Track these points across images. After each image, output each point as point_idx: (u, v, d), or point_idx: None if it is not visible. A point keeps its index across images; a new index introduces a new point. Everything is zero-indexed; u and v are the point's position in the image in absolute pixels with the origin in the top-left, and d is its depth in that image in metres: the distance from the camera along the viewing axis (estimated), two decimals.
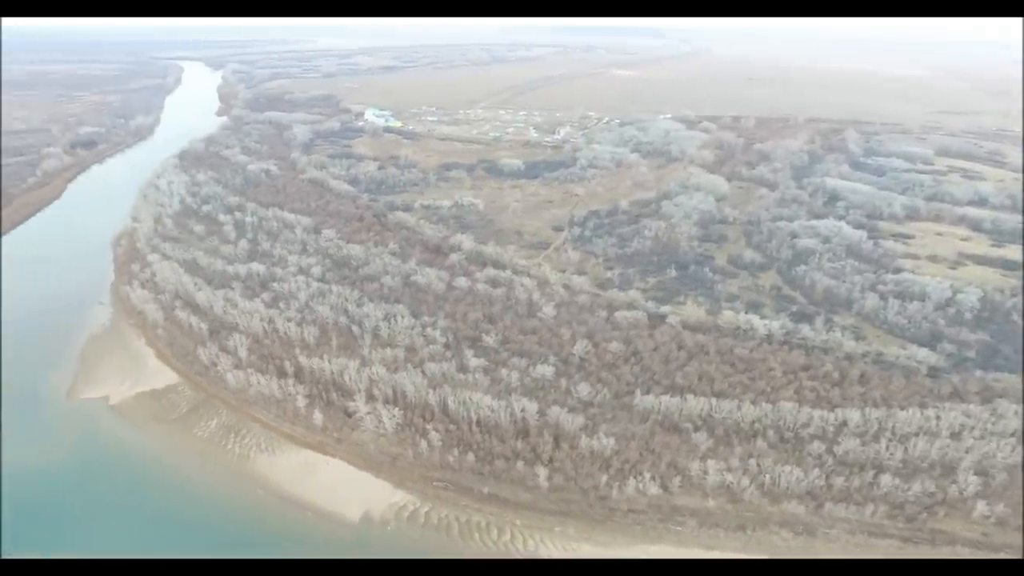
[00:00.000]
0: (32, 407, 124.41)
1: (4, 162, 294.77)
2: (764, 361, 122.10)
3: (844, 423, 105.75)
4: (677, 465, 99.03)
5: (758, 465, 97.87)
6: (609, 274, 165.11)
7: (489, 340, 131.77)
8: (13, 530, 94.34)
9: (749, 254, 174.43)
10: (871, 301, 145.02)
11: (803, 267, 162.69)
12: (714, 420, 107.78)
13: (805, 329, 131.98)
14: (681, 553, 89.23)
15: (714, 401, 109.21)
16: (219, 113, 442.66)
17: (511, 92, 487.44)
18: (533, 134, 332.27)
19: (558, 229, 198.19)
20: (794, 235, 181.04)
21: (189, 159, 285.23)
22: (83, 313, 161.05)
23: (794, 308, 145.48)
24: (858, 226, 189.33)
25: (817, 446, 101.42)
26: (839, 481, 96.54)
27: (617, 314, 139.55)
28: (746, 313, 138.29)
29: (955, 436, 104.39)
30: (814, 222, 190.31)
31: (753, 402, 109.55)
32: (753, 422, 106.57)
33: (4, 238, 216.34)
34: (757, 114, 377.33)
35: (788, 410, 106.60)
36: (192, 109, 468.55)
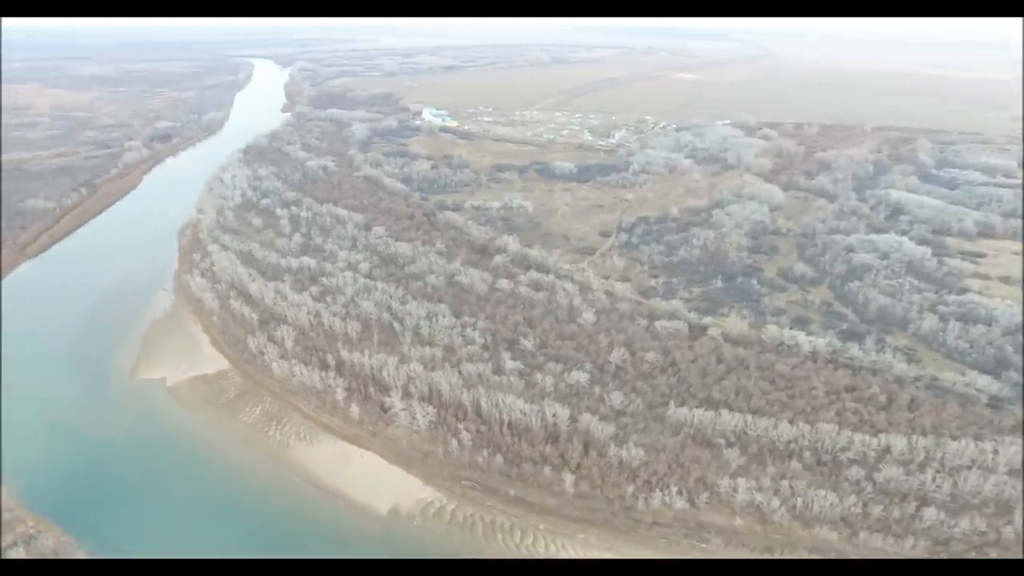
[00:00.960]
0: (100, 384, 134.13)
1: (94, 154, 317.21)
2: (806, 379, 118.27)
3: (887, 449, 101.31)
4: (706, 481, 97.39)
5: (791, 487, 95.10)
6: (653, 282, 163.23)
7: (527, 343, 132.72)
8: (73, 499, 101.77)
9: (800, 267, 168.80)
10: (929, 322, 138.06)
11: (857, 283, 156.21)
12: (748, 437, 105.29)
13: (853, 348, 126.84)
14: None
15: (749, 418, 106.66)
16: (284, 109, 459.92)
17: (568, 94, 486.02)
18: (587, 137, 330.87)
19: (605, 234, 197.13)
20: (850, 249, 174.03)
21: (253, 154, 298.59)
22: (149, 297, 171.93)
23: (844, 326, 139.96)
24: (922, 242, 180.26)
25: (856, 471, 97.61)
26: (877, 510, 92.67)
27: (657, 323, 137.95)
28: (792, 328, 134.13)
29: (1014, 473, 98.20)
30: (873, 236, 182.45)
31: (791, 421, 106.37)
32: (789, 442, 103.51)
33: (88, 225, 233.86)
34: (822, 121, 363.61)
35: (827, 432, 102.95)
36: (259, 105, 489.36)
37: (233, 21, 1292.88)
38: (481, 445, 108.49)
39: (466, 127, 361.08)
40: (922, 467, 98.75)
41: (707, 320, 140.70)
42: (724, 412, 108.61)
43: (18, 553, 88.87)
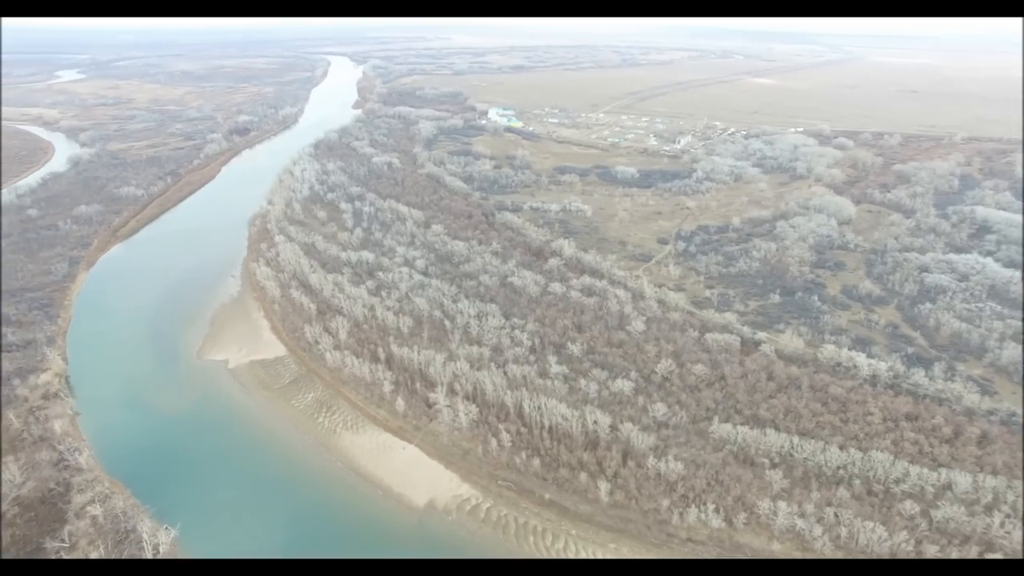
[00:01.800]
0: (171, 362, 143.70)
1: (180, 145, 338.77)
2: (862, 404, 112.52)
3: (948, 486, 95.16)
4: (745, 501, 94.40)
5: (836, 515, 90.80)
6: (708, 293, 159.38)
7: (574, 348, 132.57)
8: (142, 466, 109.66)
9: (867, 286, 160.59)
10: (1010, 351, 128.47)
11: (929, 305, 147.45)
12: (794, 460, 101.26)
13: (918, 375, 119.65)
14: None
15: (797, 439, 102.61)
16: (355, 106, 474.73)
17: (636, 97, 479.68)
18: (652, 141, 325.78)
19: (663, 242, 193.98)
20: (924, 269, 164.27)
21: (323, 148, 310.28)
22: (219, 283, 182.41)
23: (910, 350, 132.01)
24: (1009, 264, 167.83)
25: (910, 506, 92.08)
26: (932, 549, 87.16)
27: (708, 336, 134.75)
28: (851, 349, 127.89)
29: None
30: (952, 256, 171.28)
31: (841, 447, 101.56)
32: (838, 468, 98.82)
33: (171, 212, 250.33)
34: (907, 130, 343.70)
35: (881, 461, 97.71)
36: (333, 101, 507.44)
37: (315, 20, 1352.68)
38: (520, 447, 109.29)
39: (531, 128, 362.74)
40: (989, 509, 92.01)
41: (761, 335, 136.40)
42: (770, 431, 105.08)
43: (95, 511, 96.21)
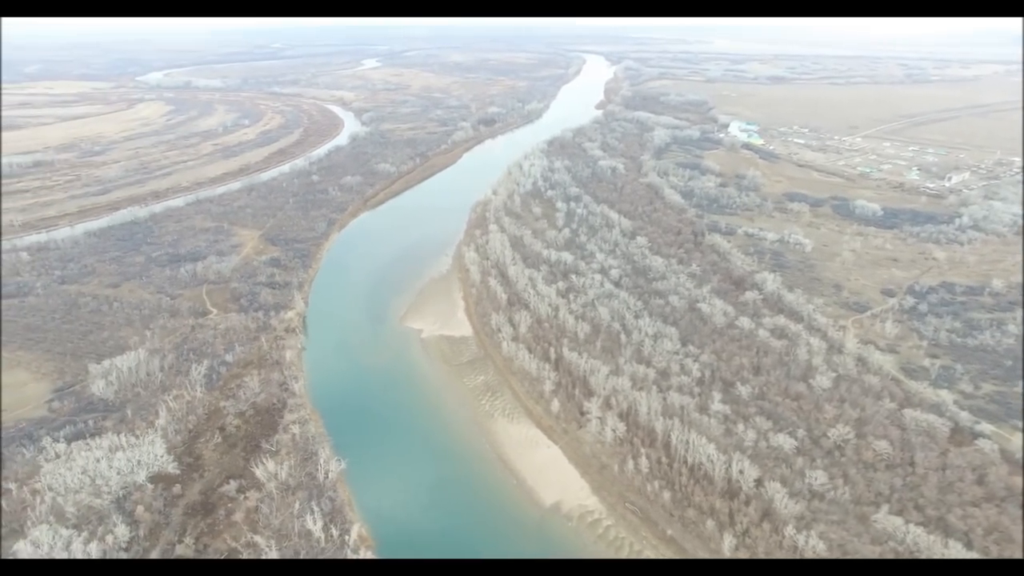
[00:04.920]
0: (379, 321, 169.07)
1: (434, 130, 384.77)
2: None
3: None
4: None
5: None
6: (928, 363, 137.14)
7: (743, 390, 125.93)
8: (335, 403, 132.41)
9: None
10: None
11: None
12: None
13: None
14: None
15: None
16: (598, 106, 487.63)
17: (911, 121, 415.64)
18: (913, 175, 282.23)
19: (888, 294, 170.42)
20: None
21: (555, 146, 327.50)
22: (433, 259, 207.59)
23: None
24: None
25: None
26: None
27: (908, 411, 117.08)
28: None
29: None
30: None
31: None
32: None
33: (413, 189, 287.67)
34: None
35: None
36: (578, 100, 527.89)
37: (579, 19, 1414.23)
38: (656, 475, 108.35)
39: (771, 147, 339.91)
40: None
41: (985, 427, 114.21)
42: (956, 545, 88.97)
43: (296, 430, 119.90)
